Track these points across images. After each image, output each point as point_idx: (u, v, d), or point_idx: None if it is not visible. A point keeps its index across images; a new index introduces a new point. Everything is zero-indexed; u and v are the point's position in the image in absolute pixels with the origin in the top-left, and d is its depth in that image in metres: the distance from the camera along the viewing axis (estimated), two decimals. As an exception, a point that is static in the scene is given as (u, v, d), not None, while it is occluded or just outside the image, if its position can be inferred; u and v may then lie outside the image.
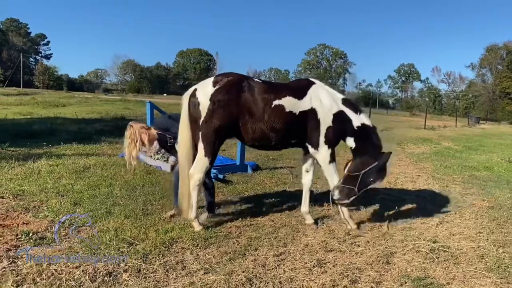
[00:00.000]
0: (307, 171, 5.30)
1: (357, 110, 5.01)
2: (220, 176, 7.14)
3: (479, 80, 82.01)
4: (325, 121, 4.86)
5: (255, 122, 4.65)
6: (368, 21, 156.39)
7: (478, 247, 4.63)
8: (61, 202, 5.29)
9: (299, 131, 4.87)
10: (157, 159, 7.84)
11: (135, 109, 23.99)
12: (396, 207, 5.98)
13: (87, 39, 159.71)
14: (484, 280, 3.81)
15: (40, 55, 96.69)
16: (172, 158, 7.54)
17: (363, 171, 4.80)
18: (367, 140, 4.94)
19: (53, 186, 5.99)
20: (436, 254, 4.36)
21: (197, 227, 4.70)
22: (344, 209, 5.05)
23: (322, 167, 5.02)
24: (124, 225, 4.62)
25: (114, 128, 13.92)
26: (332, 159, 4.97)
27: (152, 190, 6.13)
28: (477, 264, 4.17)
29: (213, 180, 5.01)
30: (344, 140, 5.03)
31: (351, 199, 4.82)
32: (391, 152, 5.05)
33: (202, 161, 4.66)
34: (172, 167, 7.49)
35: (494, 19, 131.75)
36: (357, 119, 4.95)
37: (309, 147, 4.97)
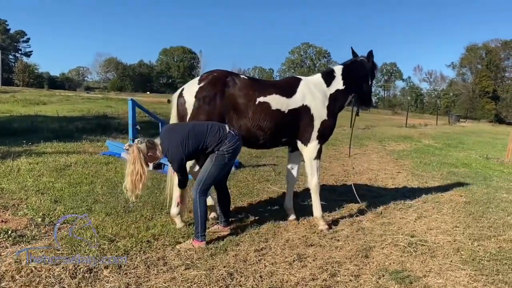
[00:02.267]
0: (292, 168, 5.33)
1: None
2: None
3: (459, 79, 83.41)
4: (319, 115, 4.89)
5: (240, 119, 4.65)
6: (351, 20, 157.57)
7: (454, 241, 4.75)
8: (41, 200, 5.24)
9: (289, 129, 4.88)
10: (139, 156, 7.80)
11: (117, 107, 23.76)
12: (376, 203, 6.09)
13: (69, 36, 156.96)
14: (459, 272, 3.92)
15: (19, 52, 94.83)
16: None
17: None
18: None
19: (33, 184, 5.93)
20: (413, 248, 4.46)
21: (179, 224, 4.72)
22: (317, 209, 5.07)
23: (306, 162, 5.06)
24: (105, 223, 4.61)
25: (96, 126, 13.82)
26: (318, 156, 5.02)
27: (134, 188, 6.09)
28: (453, 257, 4.28)
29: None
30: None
31: None
32: None
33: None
34: (155, 166, 7.51)
35: (474, 19, 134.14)
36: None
37: (299, 143, 4.98)
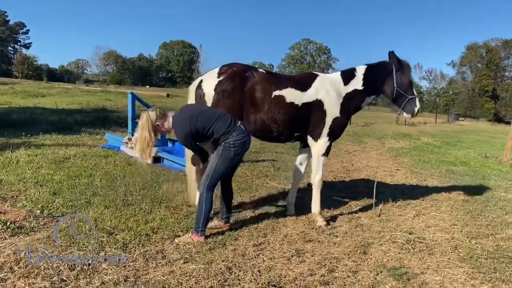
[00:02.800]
0: (301, 164, 5.34)
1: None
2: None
3: (459, 77, 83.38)
4: (332, 112, 4.90)
5: (256, 112, 4.69)
6: (351, 17, 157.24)
7: (452, 239, 4.76)
8: (39, 192, 5.24)
9: (302, 123, 4.91)
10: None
11: (117, 101, 23.70)
12: (375, 200, 6.09)
13: (68, 28, 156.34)
14: (457, 270, 3.93)
15: (19, 44, 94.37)
16: (154, 150, 7.54)
17: None
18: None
19: (31, 176, 5.92)
20: (411, 245, 4.47)
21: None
22: (316, 206, 5.09)
23: (313, 157, 5.07)
24: (104, 215, 4.60)
25: (95, 119, 13.81)
26: (326, 153, 5.03)
27: (133, 181, 6.10)
28: (450, 254, 4.30)
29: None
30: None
31: None
32: None
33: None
34: (154, 159, 7.51)
35: (475, 18, 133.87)
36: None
37: (309, 138, 5.00)
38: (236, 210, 5.27)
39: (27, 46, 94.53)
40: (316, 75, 5.07)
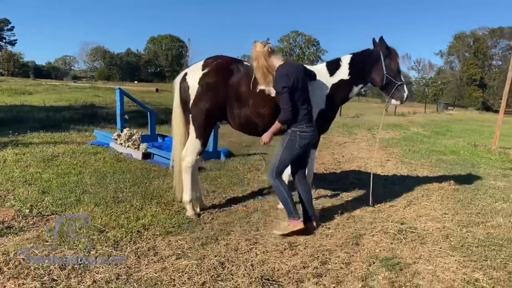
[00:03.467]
0: None
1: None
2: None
3: (447, 67, 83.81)
4: (318, 104, 4.81)
5: (241, 107, 4.62)
6: (340, 9, 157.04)
7: (443, 228, 4.79)
8: (28, 191, 5.17)
9: None
10: (128, 146, 7.74)
11: (105, 97, 23.44)
12: (365, 191, 6.12)
13: (54, 25, 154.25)
14: (448, 258, 3.96)
15: (4, 41, 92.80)
16: (143, 145, 7.50)
17: None
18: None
19: (20, 175, 5.84)
20: (403, 235, 4.49)
21: (189, 211, 4.74)
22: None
23: None
24: (94, 213, 4.56)
25: (84, 116, 13.67)
26: (315, 145, 5.01)
27: (123, 178, 6.05)
28: (442, 243, 4.32)
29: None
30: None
31: None
32: None
33: (193, 143, 4.71)
34: (144, 155, 7.46)
35: (462, 7, 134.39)
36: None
37: None
38: (228, 204, 5.26)
39: (12, 43, 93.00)
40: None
